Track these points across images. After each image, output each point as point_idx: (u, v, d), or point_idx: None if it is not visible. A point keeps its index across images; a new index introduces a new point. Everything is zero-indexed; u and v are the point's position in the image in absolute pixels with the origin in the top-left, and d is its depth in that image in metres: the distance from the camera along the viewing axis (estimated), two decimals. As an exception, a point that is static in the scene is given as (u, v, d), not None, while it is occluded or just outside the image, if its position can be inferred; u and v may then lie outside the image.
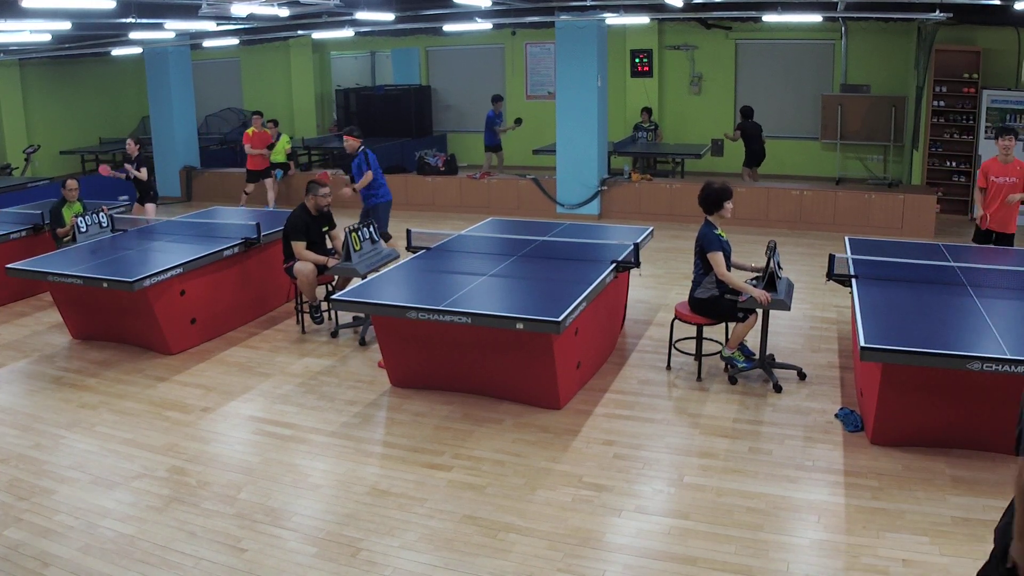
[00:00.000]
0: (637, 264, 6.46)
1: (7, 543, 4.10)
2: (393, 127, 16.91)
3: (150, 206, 10.42)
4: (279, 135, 13.50)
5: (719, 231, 5.92)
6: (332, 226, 7.47)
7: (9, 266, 6.97)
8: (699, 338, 6.12)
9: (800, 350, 6.67)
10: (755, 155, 12.77)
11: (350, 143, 9.01)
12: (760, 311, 5.91)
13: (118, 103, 18.42)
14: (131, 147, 10.39)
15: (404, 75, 18.30)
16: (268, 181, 13.08)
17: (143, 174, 10.29)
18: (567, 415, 5.54)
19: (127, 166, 10.25)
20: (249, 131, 12.80)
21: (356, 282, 6.75)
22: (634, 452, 5.01)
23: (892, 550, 3.93)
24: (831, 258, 6.07)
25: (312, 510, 4.46)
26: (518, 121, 14.23)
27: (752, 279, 5.96)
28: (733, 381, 6.01)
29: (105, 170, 10.37)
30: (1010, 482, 4.50)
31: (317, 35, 15.67)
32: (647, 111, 14.75)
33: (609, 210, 12.07)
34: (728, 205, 5.92)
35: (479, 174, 12.96)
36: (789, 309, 5.98)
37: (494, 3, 10.37)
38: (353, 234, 6.91)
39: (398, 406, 5.77)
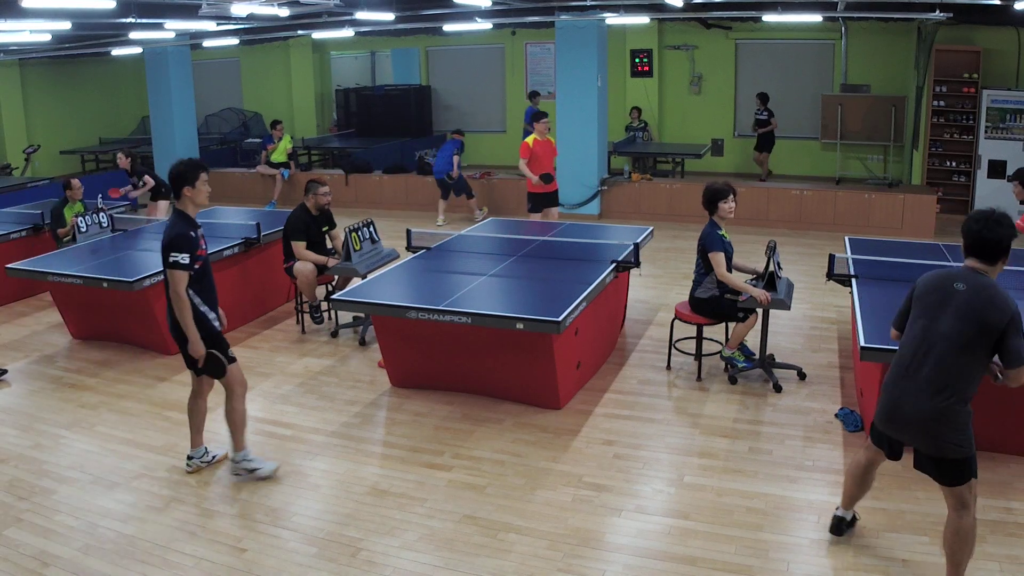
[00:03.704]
0: (637, 264, 6.46)
1: (7, 543, 4.10)
2: (393, 127, 16.91)
3: (162, 203, 10.34)
4: (281, 136, 13.52)
5: (722, 231, 5.92)
6: (332, 226, 7.47)
7: (9, 266, 6.97)
8: (699, 338, 6.12)
9: (800, 350, 6.66)
10: (771, 140, 13.23)
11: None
12: (760, 311, 5.91)
13: (118, 103, 18.42)
14: (123, 161, 10.24)
15: (404, 75, 18.30)
16: (276, 177, 13.16)
17: (150, 183, 10.22)
18: (567, 415, 5.54)
19: (128, 188, 10.19)
20: (529, 140, 9.29)
21: (356, 282, 6.75)
22: (634, 452, 5.01)
23: (892, 550, 3.93)
24: (831, 258, 6.07)
25: (312, 510, 4.46)
26: None
27: (752, 279, 5.96)
28: (733, 381, 6.01)
29: (115, 193, 10.21)
30: (1011, 482, 4.52)
31: (317, 35, 15.67)
32: (637, 110, 14.80)
33: (609, 210, 12.07)
34: (724, 205, 5.91)
35: (479, 174, 12.96)
36: (789, 309, 5.98)
37: (494, 3, 10.38)
38: (353, 234, 6.91)
39: (398, 406, 5.77)
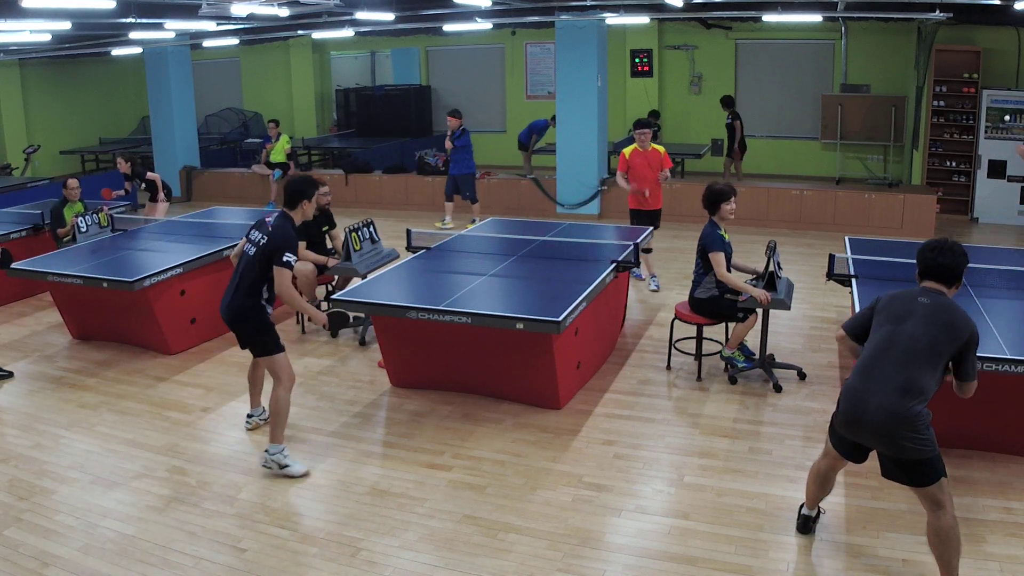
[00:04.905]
0: (637, 264, 6.46)
1: (7, 543, 4.10)
2: (393, 127, 16.92)
3: (162, 205, 10.34)
4: (279, 135, 13.52)
5: (722, 231, 5.93)
6: (332, 226, 7.47)
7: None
8: (699, 338, 6.12)
9: (800, 350, 6.66)
10: (744, 144, 13.16)
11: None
12: (760, 311, 5.91)
13: (118, 103, 18.43)
14: (122, 166, 10.26)
15: (404, 75, 18.30)
16: (270, 178, 13.16)
17: (157, 179, 10.25)
18: (567, 415, 5.54)
19: (120, 193, 10.19)
20: (626, 152, 8.35)
21: (356, 282, 6.75)
22: (634, 452, 5.01)
23: (892, 550, 3.93)
24: (831, 258, 6.07)
25: (312, 510, 4.47)
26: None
27: (752, 279, 5.96)
28: (733, 381, 6.01)
29: (107, 193, 10.20)
30: (1011, 482, 4.52)
31: (317, 35, 15.67)
32: (655, 115, 14.71)
33: (609, 210, 12.07)
34: (726, 207, 5.92)
35: (479, 174, 12.95)
36: (789, 309, 5.98)
37: (494, 3, 10.38)
38: (353, 234, 6.91)
39: (398, 406, 5.77)
